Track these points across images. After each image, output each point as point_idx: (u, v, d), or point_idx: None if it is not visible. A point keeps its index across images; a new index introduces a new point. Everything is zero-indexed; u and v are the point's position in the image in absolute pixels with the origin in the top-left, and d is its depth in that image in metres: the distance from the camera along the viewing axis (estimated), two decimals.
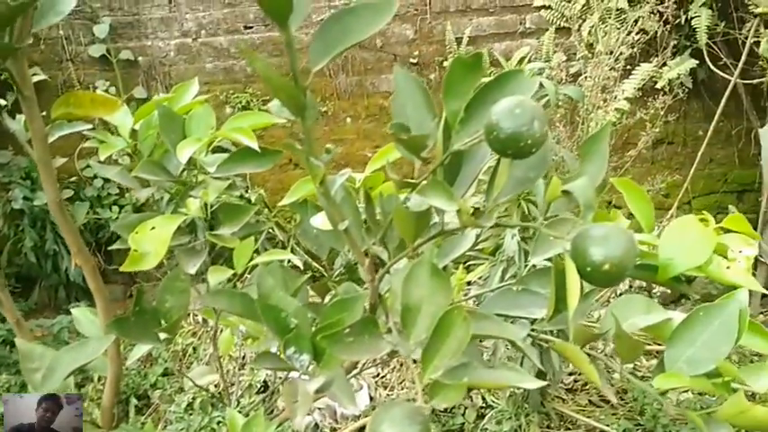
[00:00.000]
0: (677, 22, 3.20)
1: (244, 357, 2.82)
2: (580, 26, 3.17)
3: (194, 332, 3.16)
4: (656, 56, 3.16)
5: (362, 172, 1.20)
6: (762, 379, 0.78)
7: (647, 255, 0.90)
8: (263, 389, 2.66)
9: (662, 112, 3.08)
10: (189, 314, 3.19)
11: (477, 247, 1.10)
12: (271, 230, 3.43)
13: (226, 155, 1.07)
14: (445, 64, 3.55)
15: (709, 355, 0.77)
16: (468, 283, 2.65)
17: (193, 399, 2.52)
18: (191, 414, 2.44)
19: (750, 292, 0.83)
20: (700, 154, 3.39)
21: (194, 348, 3.08)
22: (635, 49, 2.91)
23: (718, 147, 3.73)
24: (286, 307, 0.88)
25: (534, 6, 3.53)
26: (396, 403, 0.67)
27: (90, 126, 1.13)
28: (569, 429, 2.45)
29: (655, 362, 0.87)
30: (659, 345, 0.81)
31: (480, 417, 2.47)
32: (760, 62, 3.10)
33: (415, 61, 3.67)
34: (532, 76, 2.21)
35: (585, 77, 2.88)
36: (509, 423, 2.35)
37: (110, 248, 1.21)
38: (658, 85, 3.23)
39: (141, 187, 1.17)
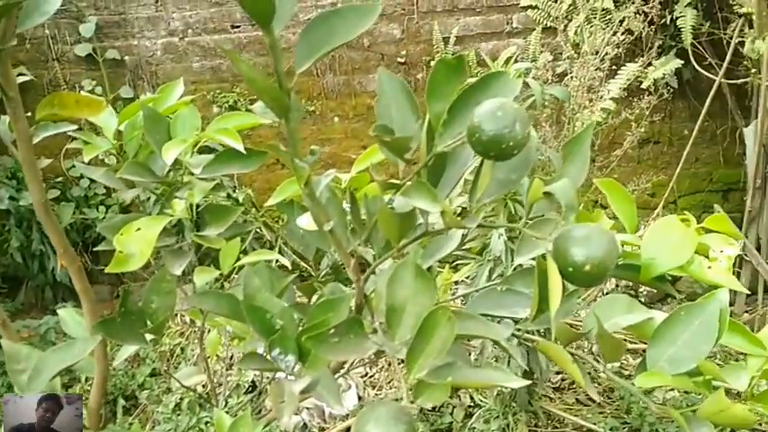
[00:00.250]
0: (662, 22, 3.21)
1: (231, 358, 2.82)
2: (566, 26, 3.18)
3: (182, 332, 3.15)
4: (642, 56, 3.18)
5: (350, 172, 1.20)
6: (742, 377, 0.79)
7: (630, 255, 0.91)
8: (251, 389, 2.66)
9: (647, 112, 3.10)
10: (176, 315, 3.19)
11: (464, 247, 1.10)
12: (258, 230, 3.44)
13: (211, 156, 1.07)
14: (432, 63, 3.56)
15: (691, 354, 0.78)
16: (456, 283, 2.66)
17: (181, 399, 2.52)
18: (178, 414, 2.44)
19: (735, 291, 0.84)
20: (685, 153, 3.41)
21: (182, 349, 3.07)
22: (620, 50, 2.92)
23: (703, 146, 3.75)
24: (271, 308, 0.88)
25: (521, 6, 3.54)
26: (382, 403, 0.67)
27: (75, 127, 1.13)
28: (557, 428, 2.46)
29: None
30: (645, 344, 0.82)
31: (468, 416, 2.48)
32: (744, 62, 3.12)
33: (402, 61, 3.67)
34: (519, 76, 2.22)
35: (571, 77, 2.89)
36: (497, 422, 2.35)
37: (96, 249, 1.21)
38: (644, 85, 3.25)
39: (127, 188, 1.17)
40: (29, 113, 0.91)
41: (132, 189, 1.17)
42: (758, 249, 3.15)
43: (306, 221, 1.05)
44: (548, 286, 0.71)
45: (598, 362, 0.92)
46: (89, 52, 3.57)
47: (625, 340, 2.56)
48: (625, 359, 2.66)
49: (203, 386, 2.37)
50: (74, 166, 3.53)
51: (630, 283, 2.96)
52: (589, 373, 2.31)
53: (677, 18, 3.23)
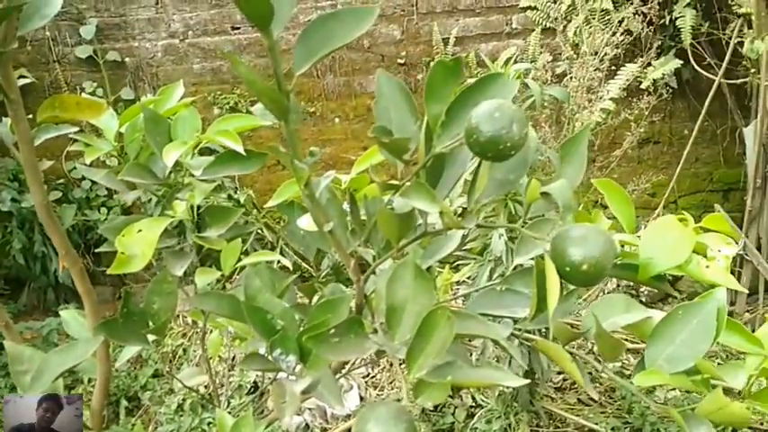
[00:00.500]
0: (662, 22, 3.22)
1: (233, 358, 2.82)
2: (565, 27, 3.19)
3: (184, 333, 3.16)
4: (641, 56, 3.18)
5: (350, 173, 1.21)
6: (739, 376, 0.80)
7: (628, 254, 0.91)
8: (253, 390, 2.67)
9: (647, 112, 3.10)
10: (178, 316, 3.19)
11: (465, 247, 1.11)
12: (260, 231, 3.44)
13: (212, 157, 1.08)
14: (432, 64, 3.56)
15: (689, 352, 0.79)
16: (458, 283, 2.67)
17: (183, 400, 2.53)
18: (181, 415, 2.44)
19: (737, 291, 0.84)
20: (685, 153, 3.41)
21: (184, 350, 3.08)
22: (620, 50, 2.93)
23: (703, 146, 3.76)
24: (272, 308, 0.88)
25: (520, 7, 3.54)
26: (382, 403, 0.68)
27: (77, 129, 1.13)
28: (558, 428, 2.46)
29: None
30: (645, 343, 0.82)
31: (470, 416, 2.48)
32: (743, 62, 3.12)
33: (402, 62, 3.68)
34: (518, 77, 2.22)
35: (571, 78, 2.90)
36: (499, 422, 2.36)
37: (98, 250, 1.21)
38: (643, 86, 3.25)
39: (128, 190, 1.17)
40: (30, 115, 0.91)
41: (133, 191, 1.18)
42: (759, 249, 3.15)
43: (306, 222, 1.05)
44: (546, 286, 0.72)
45: (599, 362, 0.92)
46: (90, 54, 3.58)
47: (626, 340, 2.57)
48: (626, 359, 2.66)
49: (205, 387, 2.38)
50: (75, 168, 3.54)
51: (631, 283, 2.96)
52: (590, 373, 2.31)
53: (676, 18, 3.24)
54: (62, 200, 3.59)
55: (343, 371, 1.31)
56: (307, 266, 1.27)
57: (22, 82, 0.96)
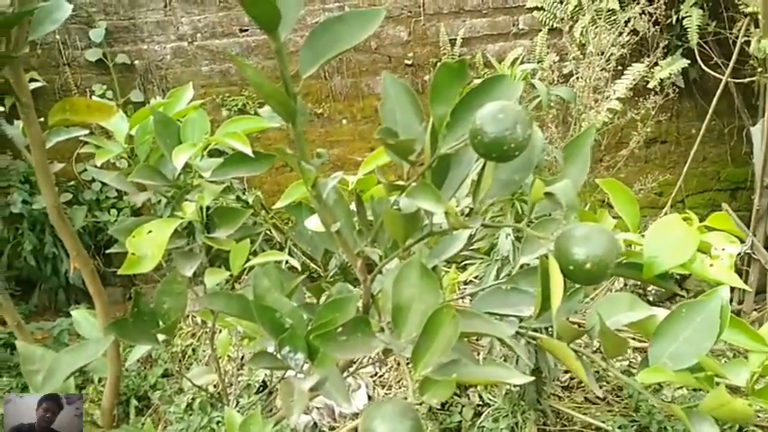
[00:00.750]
0: (668, 22, 3.22)
1: (242, 358, 2.84)
2: (572, 27, 3.19)
3: (193, 334, 3.18)
4: (648, 56, 3.18)
5: (357, 174, 1.22)
6: (742, 373, 0.80)
7: (633, 254, 0.92)
8: (261, 388, 2.68)
9: (654, 112, 3.10)
10: (188, 316, 3.21)
11: (472, 247, 1.12)
12: (268, 232, 3.46)
13: (221, 159, 1.09)
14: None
15: (692, 350, 0.79)
16: (466, 283, 2.67)
17: (193, 399, 2.54)
18: (190, 414, 2.46)
19: (745, 290, 0.85)
20: (692, 152, 3.41)
21: (193, 350, 3.10)
22: (626, 50, 2.93)
23: (710, 145, 3.76)
24: (281, 307, 0.89)
25: (527, 8, 3.55)
26: (388, 400, 0.69)
27: (87, 131, 1.14)
28: (565, 426, 2.47)
29: None
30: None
31: (477, 414, 2.49)
32: (750, 61, 3.12)
33: (409, 63, 3.69)
34: (525, 78, 2.23)
35: (577, 78, 2.90)
36: (506, 420, 2.36)
37: (108, 251, 1.23)
38: (650, 85, 3.25)
39: (138, 191, 1.18)
40: (41, 118, 0.93)
41: (143, 192, 1.19)
42: (766, 248, 3.15)
43: (314, 223, 1.06)
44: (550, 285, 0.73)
45: (606, 361, 0.93)
46: (99, 57, 3.60)
47: (633, 339, 2.57)
48: (633, 357, 2.66)
49: (214, 386, 2.39)
50: (86, 170, 3.56)
51: (639, 283, 2.96)
52: (597, 372, 2.32)
53: (683, 18, 3.24)
54: (73, 201, 3.62)
55: (351, 369, 1.32)
56: (315, 267, 1.28)
57: (33, 85, 0.97)
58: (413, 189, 0.76)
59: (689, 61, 3.31)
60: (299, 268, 1.49)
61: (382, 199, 0.96)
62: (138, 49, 3.68)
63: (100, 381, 2.61)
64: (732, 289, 0.93)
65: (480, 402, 2.54)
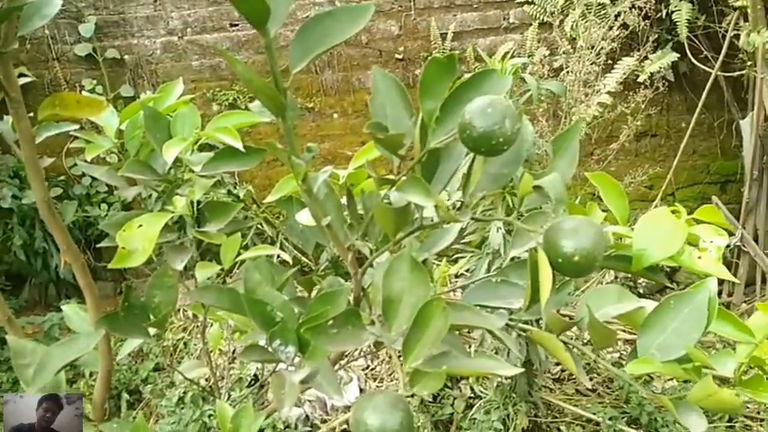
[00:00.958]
0: (658, 16, 3.24)
1: (233, 351, 2.84)
2: (562, 21, 3.20)
3: (184, 327, 3.18)
4: (638, 50, 3.20)
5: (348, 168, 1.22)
6: (729, 364, 0.81)
7: (622, 246, 0.93)
8: (253, 382, 2.68)
9: (644, 106, 3.12)
10: (179, 310, 3.21)
11: (463, 240, 1.12)
12: (259, 226, 3.45)
13: (211, 153, 1.09)
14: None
15: (680, 341, 0.80)
16: (457, 276, 2.68)
17: (184, 393, 2.54)
18: (182, 408, 2.46)
19: (734, 282, 0.86)
20: (682, 146, 3.43)
21: (185, 344, 3.10)
22: (616, 44, 2.94)
23: (700, 138, 3.78)
24: (272, 301, 0.90)
25: (517, 2, 3.56)
26: (379, 392, 0.69)
27: (77, 126, 1.14)
28: (556, 418, 2.48)
29: None
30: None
31: (469, 407, 2.50)
32: (740, 55, 3.13)
33: (400, 57, 3.69)
34: (515, 72, 2.23)
35: (568, 72, 2.91)
36: (497, 412, 2.37)
37: (99, 246, 1.22)
38: (640, 79, 3.27)
39: (128, 186, 1.18)
40: (31, 113, 0.92)
41: (134, 187, 1.19)
42: (756, 240, 3.17)
43: (305, 217, 1.06)
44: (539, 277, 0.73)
45: (596, 353, 0.94)
46: (89, 52, 3.59)
47: (623, 331, 2.59)
48: (624, 349, 2.68)
49: (206, 380, 2.39)
50: (76, 165, 3.55)
51: (630, 275, 2.98)
52: (588, 364, 2.33)
53: (672, 12, 3.25)
54: (63, 196, 3.61)
55: (342, 362, 1.33)
56: (306, 260, 1.28)
57: (22, 80, 0.97)
58: (403, 183, 0.77)
59: (679, 55, 3.32)
60: (291, 262, 1.50)
61: (373, 193, 0.97)
62: (128, 43, 3.67)
63: (91, 375, 2.60)
64: (722, 281, 0.94)
65: (472, 395, 2.54)
